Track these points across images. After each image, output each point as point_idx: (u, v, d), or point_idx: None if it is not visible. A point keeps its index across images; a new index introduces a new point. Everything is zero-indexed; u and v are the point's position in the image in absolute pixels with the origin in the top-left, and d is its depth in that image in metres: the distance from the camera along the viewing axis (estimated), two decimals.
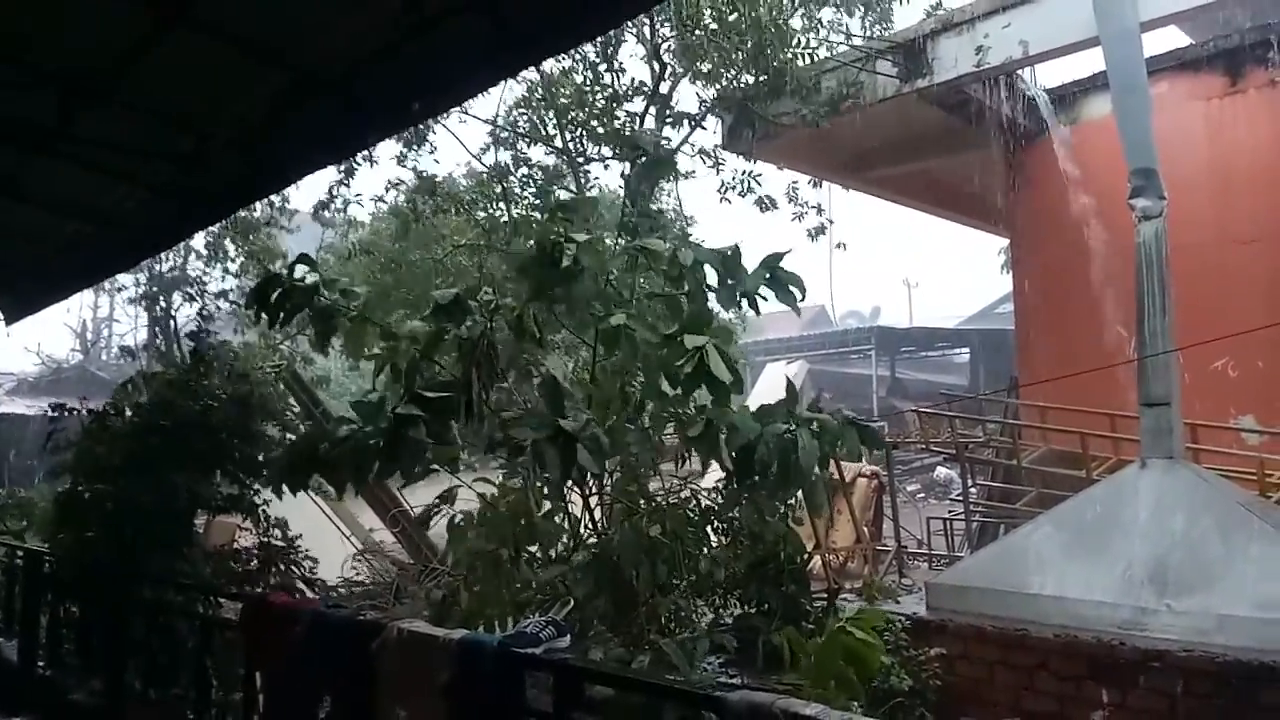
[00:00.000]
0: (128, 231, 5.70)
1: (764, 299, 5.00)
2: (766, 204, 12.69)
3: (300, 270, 4.73)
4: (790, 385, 4.95)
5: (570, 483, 4.66)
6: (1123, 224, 7.68)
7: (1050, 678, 6.06)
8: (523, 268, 4.60)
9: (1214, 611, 5.81)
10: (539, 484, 4.39)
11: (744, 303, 4.96)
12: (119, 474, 5.52)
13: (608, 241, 9.66)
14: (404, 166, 12.34)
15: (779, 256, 4.88)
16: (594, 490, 4.90)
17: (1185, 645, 5.68)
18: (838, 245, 14.42)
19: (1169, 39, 13.37)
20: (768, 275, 4.85)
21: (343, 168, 12.03)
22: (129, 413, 5.88)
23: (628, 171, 11.68)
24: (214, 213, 6.75)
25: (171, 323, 16.14)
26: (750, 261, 4.97)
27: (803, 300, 5.00)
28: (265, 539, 6.18)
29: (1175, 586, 6.07)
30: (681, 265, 4.71)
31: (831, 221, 13.27)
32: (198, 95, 4.13)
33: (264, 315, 4.64)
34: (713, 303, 5.08)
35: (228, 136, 4.44)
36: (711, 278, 4.88)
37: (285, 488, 4.93)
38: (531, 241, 4.72)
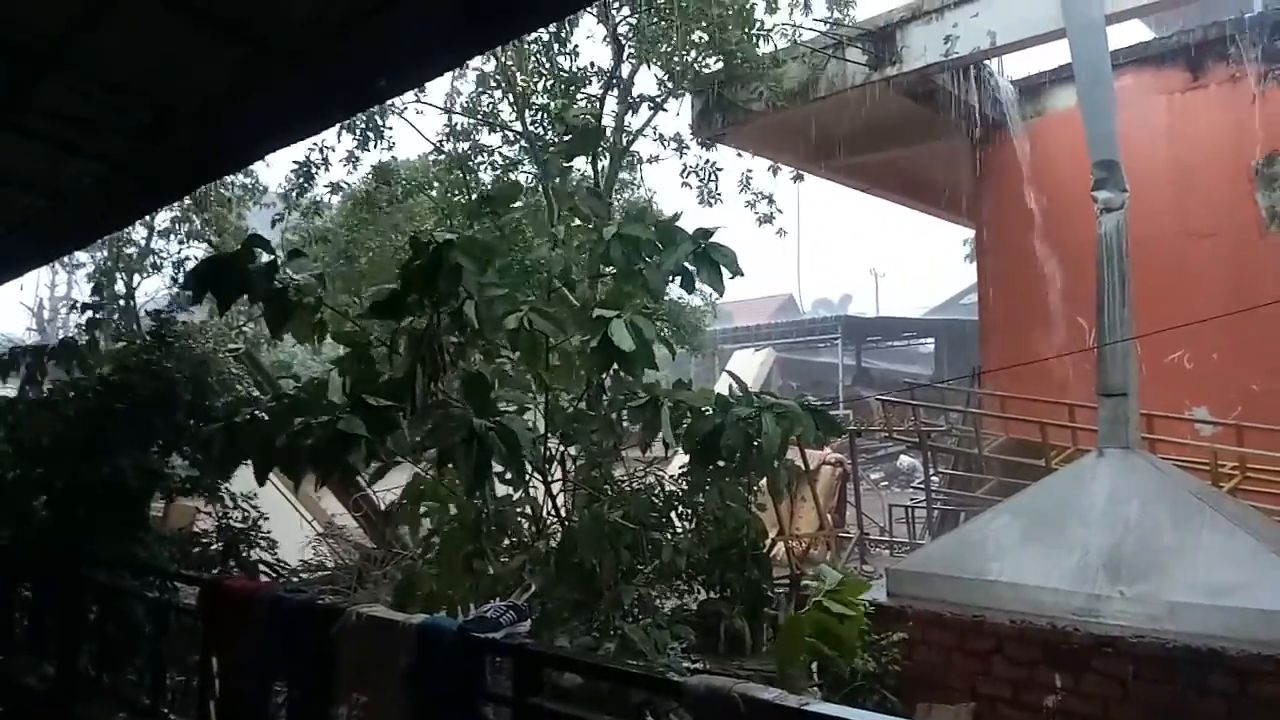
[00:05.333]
0: (84, 207, 5.57)
1: (696, 278, 4.59)
2: (727, 191, 12.64)
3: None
4: (737, 378, 4.89)
5: (531, 469, 4.63)
6: (1085, 216, 7.78)
7: (1005, 663, 6.16)
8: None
9: (1165, 598, 5.93)
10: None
11: (676, 280, 4.67)
12: (68, 456, 5.42)
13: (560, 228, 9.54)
14: (355, 167, 12.17)
15: (709, 232, 4.59)
16: (556, 476, 4.88)
17: (1137, 631, 5.79)
18: (778, 231, 14.08)
19: (1133, 33, 13.55)
20: (698, 248, 4.52)
21: (301, 172, 11.81)
22: (74, 392, 5.77)
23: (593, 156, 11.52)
24: (174, 189, 6.62)
25: (131, 301, 15.85)
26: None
27: (732, 278, 4.65)
28: (225, 522, 6.12)
29: (1128, 574, 6.19)
30: (606, 243, 4.44)
31: (781, 212, 13.26)
32: (155, 67, 4.03)
33: (210, 297, 4.41)
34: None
35: (187, 111, 4.34)
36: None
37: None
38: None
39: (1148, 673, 5.62)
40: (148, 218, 14.93)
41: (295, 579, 6.76)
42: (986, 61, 12.47)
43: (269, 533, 6.23)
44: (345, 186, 12.49)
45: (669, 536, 5.09)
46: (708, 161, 12.50)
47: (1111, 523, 6.53)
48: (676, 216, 4.72)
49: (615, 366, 4.39)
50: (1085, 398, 9.09)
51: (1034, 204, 12.50)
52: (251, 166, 14.36)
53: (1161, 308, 9.20)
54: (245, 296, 4.42)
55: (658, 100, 11.97)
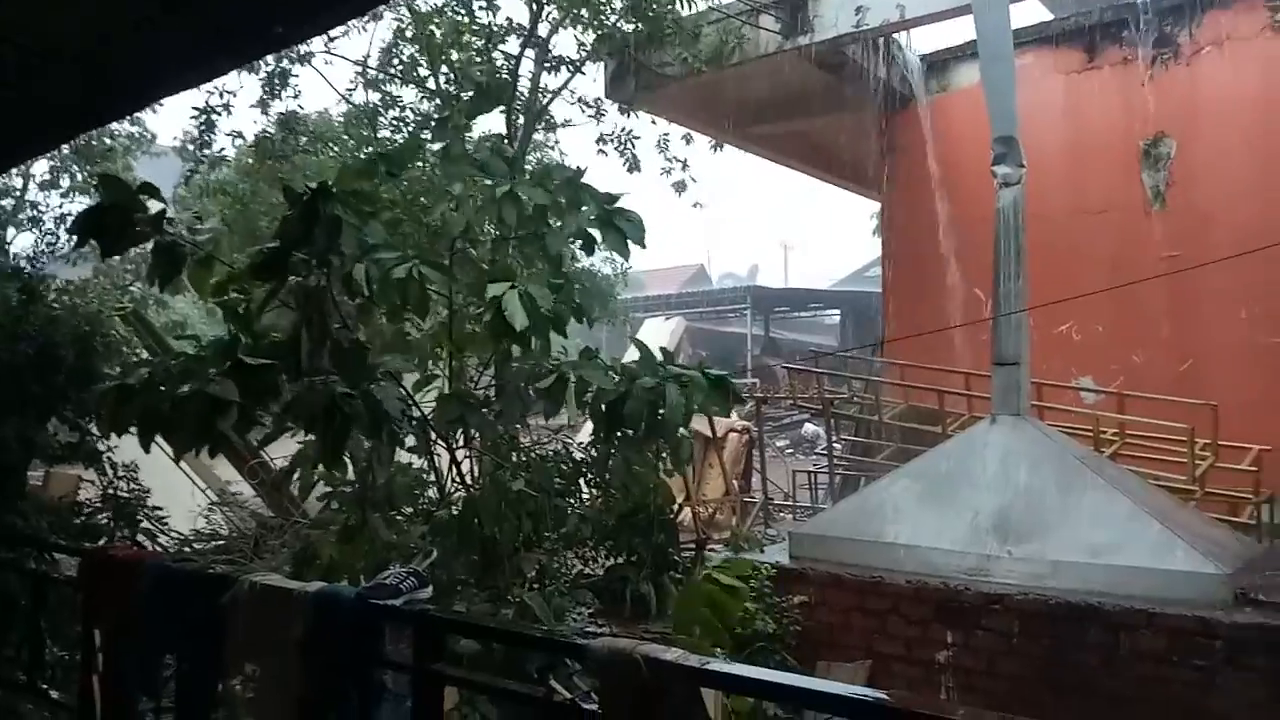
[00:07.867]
0: None
1: (598, 242, 4.63)
2: (636, 163, 12.49)
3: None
4: (643, 346, 4.85)
5: (435, 436, 4.53)
6: (985, 190, 8.00)
7: (901, 621, 6.39)
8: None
9: (1049, 557, 6.23)
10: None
11: (578, 244, 4.64)
12: None
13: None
14: (266, 114, 11.57)
15: (614, 197, 4.53)
16: (460, 444, 4.79)
17: (1023, 589, 6.08)
18: (695, 204, 14.17)
19: (1034, 13, 13.91)
20: (603, 214, 4.46)
21: (202, 120, 11.17)
22: None
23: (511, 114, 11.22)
24: (46, 140, 6.19)
25: (4, 256, 14.89)
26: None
27: (637, 244, 4.58)
28: (110, 490, 5.85)
29: (1016, 534, 6.47)
30: (498, 203, 4.33)
31: (695, 180, 13.22)
32: (21, 10, 3.73)
33: (96, 244, 4.14)
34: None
35: (60, 57, 4.04)
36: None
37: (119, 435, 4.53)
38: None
39: (1031, 628, 5.90)
40: (24, 167, 14.00)
41: (187, 549, 6.52)
42: (896, 35, 12.65)
43: (158, 501, 5.99)
44: (246, 136, 11.86)
45: (575, 504, 5.07)
46: (624, 130, 12.35)
47: (1001, 486, 6.81)
48: (580, 173, 4.63)
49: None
50: (981, 367, 9.41)
51: (937, 177, 12.81)
52: (139, 114, 13.58)
53: (1053, 281, 9.56)
54: (134, 256, 4.19)
55: (576, 63, 11.75)
